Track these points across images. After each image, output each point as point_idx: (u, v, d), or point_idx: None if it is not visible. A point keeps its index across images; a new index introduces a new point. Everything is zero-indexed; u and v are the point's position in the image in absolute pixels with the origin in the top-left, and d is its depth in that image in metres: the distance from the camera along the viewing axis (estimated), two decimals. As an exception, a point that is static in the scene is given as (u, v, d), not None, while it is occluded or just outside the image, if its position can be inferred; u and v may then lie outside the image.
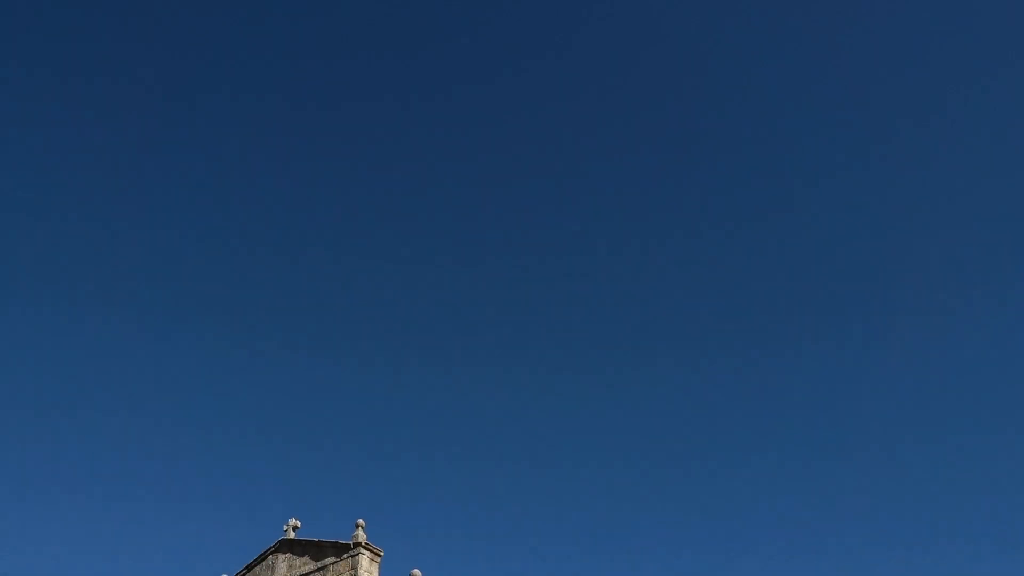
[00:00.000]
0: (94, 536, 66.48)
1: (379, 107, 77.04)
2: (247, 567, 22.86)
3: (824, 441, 72.07)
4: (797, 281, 74.67)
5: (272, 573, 22.16)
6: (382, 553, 21.19)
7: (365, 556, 20.77)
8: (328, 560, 21.17)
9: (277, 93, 74.21)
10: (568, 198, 77.33)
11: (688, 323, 74.91)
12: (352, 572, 20.55)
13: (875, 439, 71.09)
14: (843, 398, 72.96)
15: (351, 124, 77.93)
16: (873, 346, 71.70)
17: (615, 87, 77.17)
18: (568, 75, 76.91)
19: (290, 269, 77.19)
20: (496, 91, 77.71)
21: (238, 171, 75.58)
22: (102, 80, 71.52)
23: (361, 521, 21.37)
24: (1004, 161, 69.09)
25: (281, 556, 22.33)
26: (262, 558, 22.72)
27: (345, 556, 20.90)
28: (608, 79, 75.80)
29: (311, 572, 21.35)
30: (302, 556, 21.87)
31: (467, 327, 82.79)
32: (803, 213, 72.18)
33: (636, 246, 75.66)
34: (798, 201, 72.90)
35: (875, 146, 72.46)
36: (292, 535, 22.64)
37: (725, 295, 74.56)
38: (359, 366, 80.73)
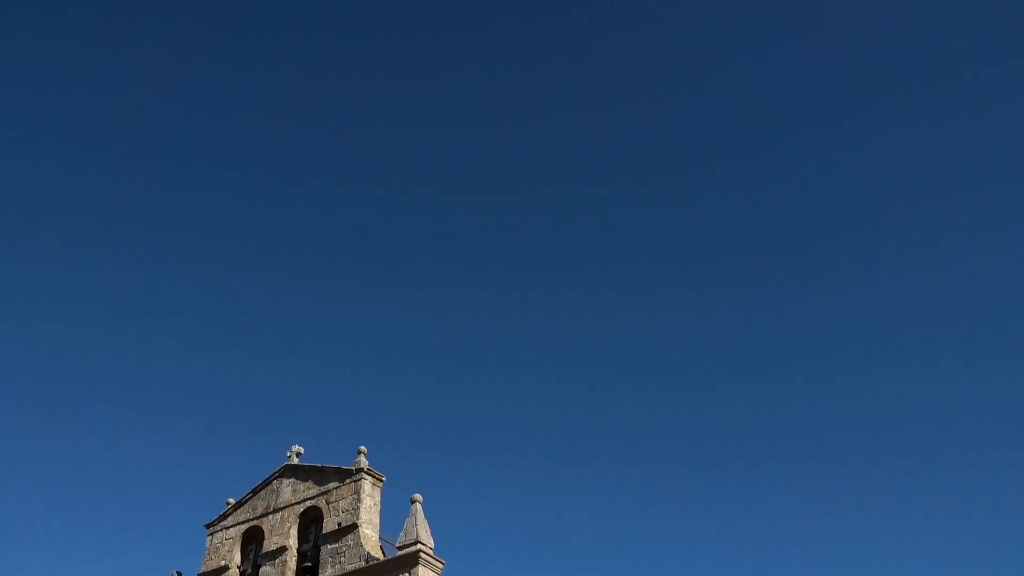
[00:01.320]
0: (97, 463, 67.88)
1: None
2: (252, 491, 23.23)
3: (829, 365, 72.92)
4: (801, 213, 74.57)
5: (277, 497, 22.56)
6: (384, 478, 21.52)
7: (367, 481, 21.09)
8: (331, 485, 21.50)
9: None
10: (571, 129, 76.73)
11: (702, 253, 75.26)
12: (355, 496, 20.88)
13: (879, 362, 71.89)
14: (848, 323, 73.47)
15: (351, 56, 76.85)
16: (876, 273, 71.98)
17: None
18: None
19: (291, 192, 76.88)
20: None
21: (235, 98, 74.91)
22: None
23: (363, 448, 21.64)
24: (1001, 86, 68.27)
25: (285, 481, 22.69)
26: (266, 483, 23.07)
27: (348, 481, 21.22)
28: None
29: (315, 496, 21.72)
30: (306, 481, 22.23)
31: (470, 249, 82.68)
32: (806, 148, 71.71)
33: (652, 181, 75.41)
34: (806, 132, 72.39)
35: (880, 78, 71.56)
36: (296, 461, 22.99)
37: (732, 227, 74.61)
38: (361, 290, 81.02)
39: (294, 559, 21.29)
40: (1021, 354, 65.35)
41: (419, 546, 18.74)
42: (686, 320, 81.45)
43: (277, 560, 21.28)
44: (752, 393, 74.37)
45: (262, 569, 21.46)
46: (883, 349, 73.74)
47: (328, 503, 21.21)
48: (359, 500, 20.61)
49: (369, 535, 20.23)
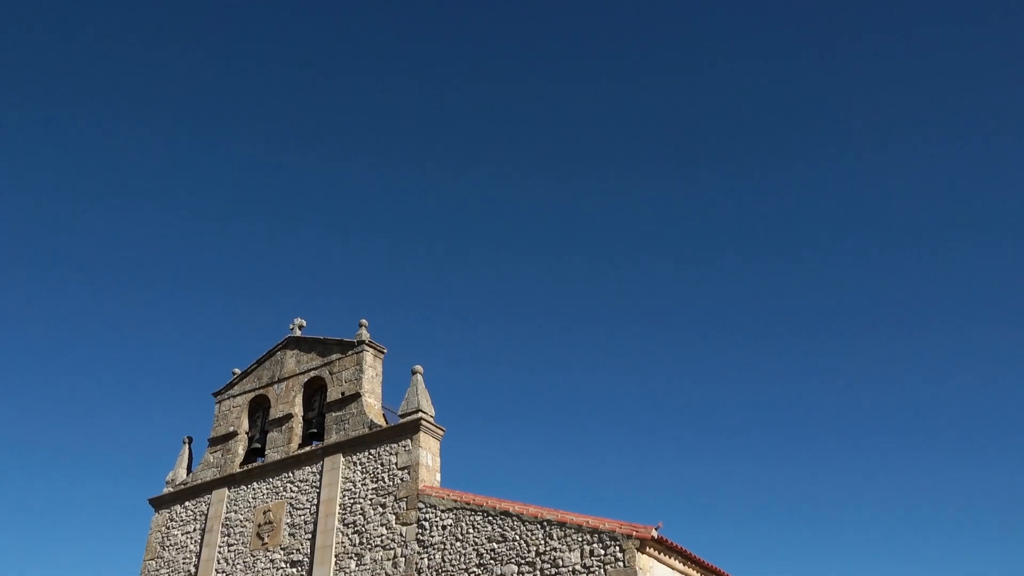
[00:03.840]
0: (107, 331, 69.17)
1: None
2: (257, 362, 23.82)
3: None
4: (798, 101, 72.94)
5: (281, 368, 23.13)
6: (385, 351, 22.00)
7: (369, 353, 21.59)
8: (334, 356, 22.01)
9: None
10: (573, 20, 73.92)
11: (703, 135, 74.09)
12: (357, 367, 21.43)
13: (879, 247, 72.22)
14: (846, 208, 73.29)
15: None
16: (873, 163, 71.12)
17: None
18: None
19: (295, 67, 75.03)
20: None
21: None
22: None
23: (364, 320, 22.04)
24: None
25: (289, 352, 23.21)
26: (270, 354, 23.62)
27: (350, 353, 21.71)
28: None
29: (318, 367, 22.28)
30: (309, 352, 22.74)
31: (471, 124, 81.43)
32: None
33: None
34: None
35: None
36: (298, 333, 23.45)
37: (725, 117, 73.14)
38: (364, 163, 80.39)
39: (300, 426, 22.06)
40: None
41: (420, 414, 19.36)
42: (675, 197, 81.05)
43: (283, 427, 22.06)
44: (749, 261, 75.00)
45: (269, 435, 22.27)
46: (878, 228, 73.90)
47: (331, 373, 21.77)
48: (361, 371, 21.15)
49: (372, 404, 20.88)
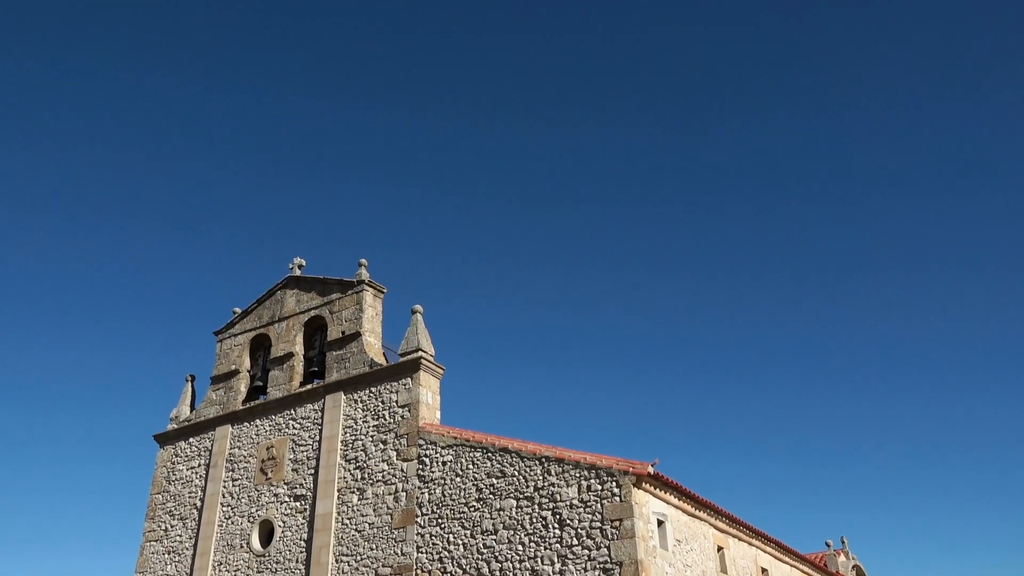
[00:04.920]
0: (103, 271, 69.21)
1: None
2: (257, 301, 23.91)
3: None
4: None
5: (281, 307, 23.23)
6: (385, 290, 22.09)
7: (368, 292, 21.68)
8: (334, 296, 22.10)
9: None
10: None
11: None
12: (357, 307, 21.55)
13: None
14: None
15: None
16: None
17: None
18: None
19: (304, 19, 73.51)
20: None
21: None
22: None
23: (364, 260, 22.07)
24: None
25: (289, 292, 23.30)
26: (270, 293, 23.70)
27: (350, 292, 21.80)
28: None
29: (318, 306, 22.38)
30: (309, 292, 22.82)
31: (470, 70, 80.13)
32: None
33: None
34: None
35: None
36: (298, 273, 23.50)
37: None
38: (363, 106, 79.36)
39: (301, 364, 22.28)
40: None
41: (420, 353, 19.54)
42: (672, 139, 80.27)
43: (284, 365, 22.28)
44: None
45: (271, 373, 22.51)
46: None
47: (331, 313, 21.90)
48: (361, 310, 21.26)
49: (372, 343, 21.06)
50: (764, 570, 21.61)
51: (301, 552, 19.32)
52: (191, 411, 24.15)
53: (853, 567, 28.90)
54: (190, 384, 24.78)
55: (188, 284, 74.09)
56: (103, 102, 73.12)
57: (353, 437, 19.84)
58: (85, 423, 68.36)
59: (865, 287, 79.28)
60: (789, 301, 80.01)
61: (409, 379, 19.50)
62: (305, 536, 19.44)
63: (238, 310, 24.17)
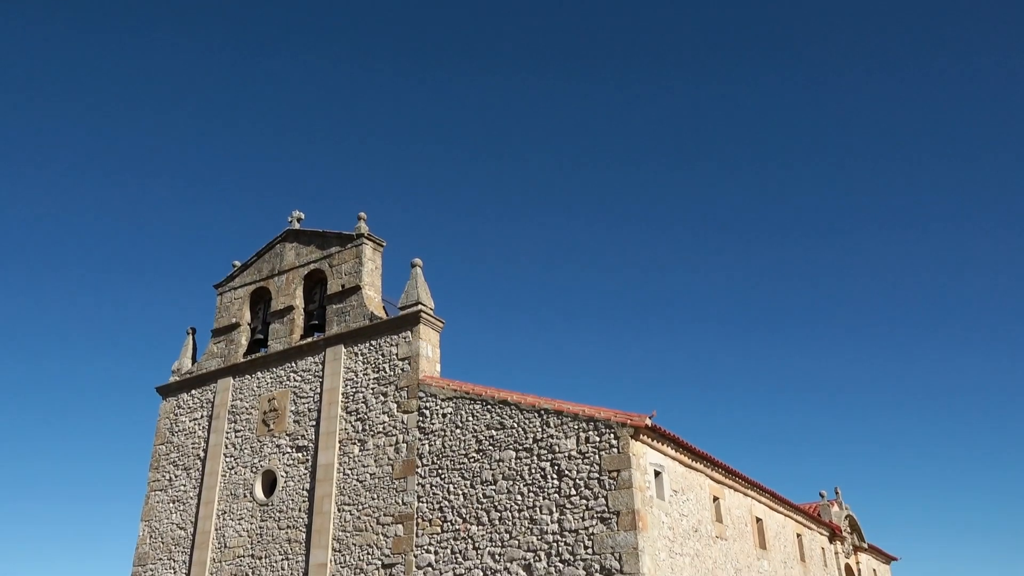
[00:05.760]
0: (102, 224, 68.98)
1: None
2: (256, 254, 23.89)
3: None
4: None
5: (281, 260, 23.23)
6: (384, 244, 22.06)
7: (368, 246, 21.65)
8: (333, 249, 22.08)
9: None
10: None
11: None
12: (356, 260, 21.55)
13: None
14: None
15: None
16: None
17: None
18: None
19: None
20: None
21: None
22: None
23: (363, 213, 22.00)
24: None
25: (288, 245, 23.26)
26: (270, 247, 23.67)
27: (349, 246, 21.77)
28: None
29: (317, 260, 22.38)
30: (308, 245, 22.78)
31: (470, 15, 78.84)
32: None
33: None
34: None
35: None
36: (297, 226, 23.44)
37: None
38: (361, 57, 78.28)
39: (301, 317, 22.38)
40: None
41: (420, 307, 19.62)
42: (669, 97, 79.36)
43: (285, 318, 22.37)
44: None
45: (271, 326, 22.60)
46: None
47: (331, 266, 21.91)
48: (361, 264, 21.28)
49: (372, 296, 21.12)
50: (759, 520, 22.00)
51: (304, 501, 19.64)
52: (193, 364, 24.31)
53: (846, 517, 29.41)
54: (191, 337, 24.91)
55: (187, 237, 73.99)
56: (103, 54, 72.18)
57: (354, 389, 20.02)
58: (87, 375, 68.84)
59: (860, 240, 79.28)
60: (785, 254, 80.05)
61: (409, 332, 19.61)
62: (307, 486, 19.75)
63: (237, 263, 24.17)
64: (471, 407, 17.86)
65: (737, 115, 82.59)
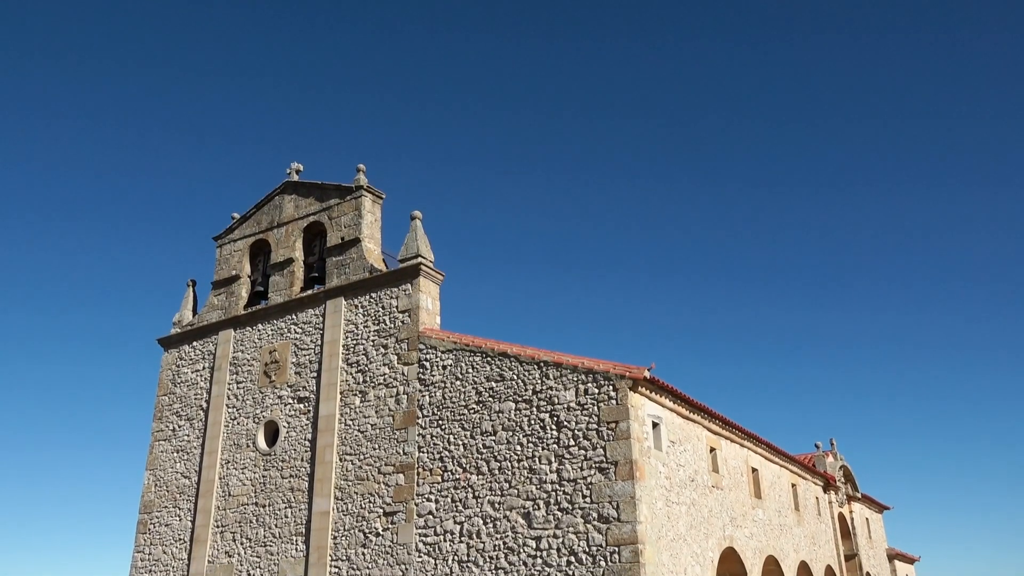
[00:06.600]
0: (101, 176, 68.56)
1: None
2: (256, 206, 23.80)
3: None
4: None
5: (280, 213, 23.16)
6: (384, 196, 21.97)
7: (367, 198, 21.56)
8: (332, 201, 22.00)
9: None
10: None
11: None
12: (356, 212, 21.49)
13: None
14: None
15: None
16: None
17: None
18: None
19: None
20: None
21: None
22: None
23: (362, 165, 21.83)
24: None
25: (287, 197, 23.17)
26: (268, 199, 23.56)
27: (348, 198, 21.69)
28: None
29: (316, 212, 22.31)
30: (307, 197, 22.69)
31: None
32: None
33: None
34: None
35: None
36: (295, 178, 23.31)
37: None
38: (359, 8, 76.99)
39: (301, 270, 22.39)
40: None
41: (419, 259, 19.62)
42: (667, 51, 78.19)
43: (285, 271, 22.39)
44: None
45: (271, 279, 22.63)
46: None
47: (330, 219, 21.86)
48: (360, 216, 21.22)
49: (371, 249, 21.11)
50: (754, 470, 22.33)
51: (306, 451, 19.90)
52: (193, 316, 24.40)
53: (840, 467, 29.84)
54: (191, 289, 24.95)
55: (185, 188, 73.64)
56: (102, 9, 70.92)
57: (354, 342, 20.13)
58: (87, 326, 69.11)
59: (856, 191, 78.92)
60: (782, 207, 79.77)
61: (409, 285, 19.65)
62: (309, 436, 19.99)
63: (236, 215, 24.10)
64: (471, 359, 18.00)
65: (740, 64, 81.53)
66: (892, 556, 34.90)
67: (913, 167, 79.96)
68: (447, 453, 17.64)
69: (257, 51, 78.28)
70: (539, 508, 16.02)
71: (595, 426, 15.87)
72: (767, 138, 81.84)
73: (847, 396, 76.26)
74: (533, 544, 15.88)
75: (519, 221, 79.84)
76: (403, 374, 18.93)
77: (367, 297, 20.32)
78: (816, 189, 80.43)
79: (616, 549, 14.92)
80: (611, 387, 15.95)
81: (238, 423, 21.60)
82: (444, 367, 18.35)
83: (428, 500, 17.52)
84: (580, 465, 15.81)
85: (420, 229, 20.17)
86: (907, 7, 78.16)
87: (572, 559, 15.31)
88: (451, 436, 17.72)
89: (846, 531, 29.64)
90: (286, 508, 19.71)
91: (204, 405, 22.67)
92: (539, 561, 15.68)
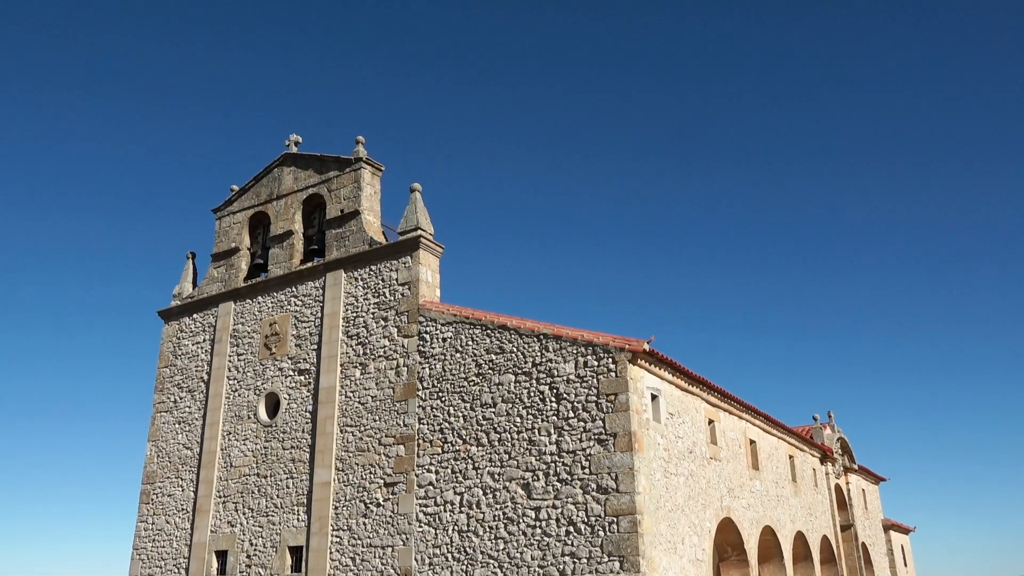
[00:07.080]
0: (101, 148, 68.23)
1: None
2: (254, 179, 23.71)
3: None
4: None
5: (279, 185, 23.08)
6: (383, 168, 21.88)
7: (367, 170, 21.47)
8: (332, 173, 21.91)
9: None
10: None
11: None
12: (355, 184, 21.42)
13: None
14: None
15: None
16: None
17: None
18: None
19: None
20: None
21: None
22: None
23: (361, 137, 21.73)
24: None
25: (286, 169, 23.07)
26: (267, 171, 23.47)
27: (347, 170, 21.60)
28: None
29: (316, 184, 22.23)
30: (306, 169, 22.60)
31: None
32: None
33: None
34: None
35: None
36: (294, 150, 23.19)
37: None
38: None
39: (300, 242, 22.37)
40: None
41: (419, 232, 19.60)
42: (668, 29, 77.42)
43: (284, 243, 22.36)
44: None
45: (271, 251, 22.61)
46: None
47: (330, 191, 21.79)
48: (359, 188, 21.16)
49: (371, 221, 21.07)
50: (752, 442, 22.48)
51: (307, 423, 20.02)
52: (193, 288, 24.42)
53: (838, 440, 30.04)
54: (191, 261, 24.94)
55: (184, 160, 73.34)
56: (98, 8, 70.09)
57: (354, 314, 20.17)
58: (88, 298, 69.19)
59: (855, 165, 78.63)
60: (780, 182, 79.54)
61: (409, 257, 19.65)
62: (310, 408, 20.09)
63: (236, 187, 24.02)
64: (471, 332, 18.04)
65: (737, 42, 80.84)
66: (887, 527, 35.25)
67: (911, 141, 79.62)
68: (447, 425, 17.75)
69: (256, 23, 77.58)
70: (538, 479, 16.15)
71: (594, 398, 15.95)
72: (763, 112, 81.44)
73: (846, 369, 76.58)
74: (532, 514, 16.03)
75: (519, 194, 79.67)
76: (403, 346, 18.99)
77: (367, 269, 20.32)
78: (815, 162, 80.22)
79: (615, 519, 15.07)
80: (610, 359, 16.00)
81: (239, 395, 21.70)
82: (444, 339, 18.40)
83: (428, 471, 17.66)
84: (579, 437, 15.91)
85: (420, 201, 20.11)
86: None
87: (571, 529, 15.47)
88: (451, 408, 17.81)
89: (842, 502, 29.91)
90: (287, 479, 19.87)
91: (205, 377, 22.76)
92: (538, 531, 15.85)
